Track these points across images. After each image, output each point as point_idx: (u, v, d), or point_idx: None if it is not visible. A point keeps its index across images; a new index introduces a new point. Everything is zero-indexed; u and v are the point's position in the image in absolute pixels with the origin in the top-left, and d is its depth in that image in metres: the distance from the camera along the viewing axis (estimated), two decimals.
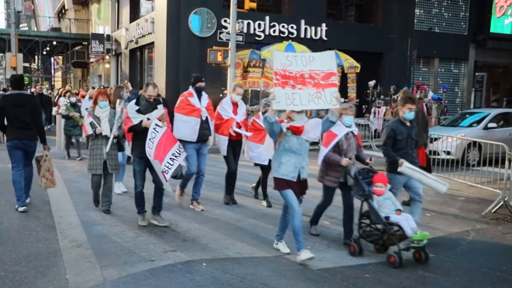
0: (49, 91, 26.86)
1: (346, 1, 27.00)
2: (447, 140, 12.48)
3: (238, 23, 17.07)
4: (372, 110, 20.12)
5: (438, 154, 11.82)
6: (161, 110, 6.79)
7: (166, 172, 6.55)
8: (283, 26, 21.88)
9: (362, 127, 18.31)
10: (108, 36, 30.14)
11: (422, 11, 25.75)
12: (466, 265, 5.81)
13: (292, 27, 22.01)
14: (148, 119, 6.66)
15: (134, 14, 26.48)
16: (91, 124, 7.38)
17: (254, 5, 16.34)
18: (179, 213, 7.69)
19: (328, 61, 5.70)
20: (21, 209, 7.56)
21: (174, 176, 6.79)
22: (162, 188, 6.89)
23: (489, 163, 9.88)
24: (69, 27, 42.03)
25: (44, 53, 39.23)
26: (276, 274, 5.29)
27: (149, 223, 6.99)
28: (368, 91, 21.23)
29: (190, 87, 7.94)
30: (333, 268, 5.57)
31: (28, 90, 26.61)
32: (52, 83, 46.29)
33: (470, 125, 14.83)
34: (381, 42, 23.87)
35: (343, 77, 19.70)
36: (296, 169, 5.73)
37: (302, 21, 22.18)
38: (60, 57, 45.34)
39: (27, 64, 39.13)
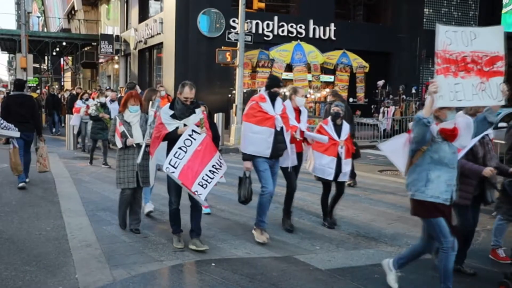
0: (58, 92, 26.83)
1: (355, 1, 26.95)
2: None
3: (247, 23, 17.08)
4: (381, 110, 20.07)
5: None
6: (199, 114, 5.92)
7: (205, 186, 5.73)
8: (291, 26, 21.86)
9: (371, 127, 18.26)
10: (117, 36, 30.26)
11: (431, 10, 25.64)
12: (476, 266, 5.76)
13: (300, 27, 21.99)
14: (185, 125, 5.80)
15: (143, 15, 26.56)
16: (122, 134, 6.45)
17: (262, 5, 16.37)
18: (188, 213, 7.67)
19: (494, 40, 4.41)
20: (20, 185, 9.12)
21: (243, 201, 6.03)
22: (199, 206, 6.06)
23: (500, 162, 9.80)
24: (78, 28, 42.24)
25: (54, 54, 39.45)
26: (285, 274, 5.27)
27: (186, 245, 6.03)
28: (377, 90, 21.18)
29: (263, 89, 6.58)
30: (343, 268, 5.54)
31: (38, 90, 26.76)
32: (62, 83, 46.52)
33: None
34: (390, 41, 23.80)
35: (352, 77, 19.66)
36: (449, 188, 4.44)
37: (311, 21, 22.15)
38: (70, 58, 45.55)
39: (37, 65, 39.41)
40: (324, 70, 19.13)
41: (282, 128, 6.24)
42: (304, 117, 6.95)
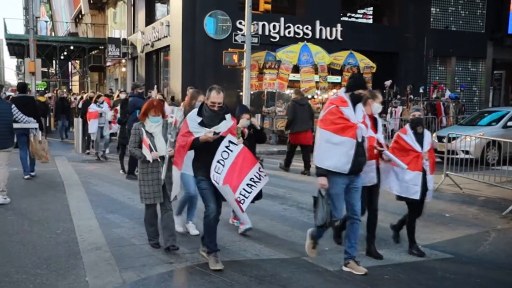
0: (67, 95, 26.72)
1: (361, 1, 26.92)
2: (466, 140, 12.36)
3: (253, 25, 17.11)
4: (389, 110, 20.02)
5: (457, 154, 11.65)
6: (229, 121, 5.46)
7: (242, 202, 5.33)
8: (298, 27, 21.86)
9: None
10: (124, 40, 30.39)
11: (438, 10, 25.56)
12: (486, 266, 5.73)
13: (307, 28, 21.98)
14: (215, 133, 5.29)
15: (150, 18, 26.66)
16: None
17: (269, 6, 16.36)
18: (198, 216, 7.69)
19: None
20: (26, 177, 10.56)
21: (322, 225, 5.29)
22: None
23: (509, 162, 9.76)
24: (85, 32, 42.45)
25: (62, 58, 39.72)
26: (295, 275, 5.27)
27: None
28: (384, 91, 21.11)
29: (342, 91, 5.61)
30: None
31: (46, 94, 26.87)
32: (70, 87, 46.77)
33: (489, 124, 14.66)
34: (397, 41, 23.74)
35: None
36: None
37: (317, 22, 22.14)
38: (77, 62, 45.82)
39: (45, 69, 39.65)
40: (331, 71, 19.11)
41: (363, 138, 5.36)
42: (380, 127, 6.01)
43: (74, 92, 32.89)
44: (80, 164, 13.23)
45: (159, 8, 27.25)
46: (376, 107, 5.94)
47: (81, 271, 5.31)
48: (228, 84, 18.86)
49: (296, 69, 18.13)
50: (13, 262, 5.53)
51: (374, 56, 20.71)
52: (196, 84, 19.38)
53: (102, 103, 14.40)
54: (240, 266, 5.49)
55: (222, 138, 5.35)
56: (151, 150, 5.82)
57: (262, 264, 5.60)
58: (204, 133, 5.26)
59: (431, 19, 25.26)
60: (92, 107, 14.24)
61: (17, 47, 37.07)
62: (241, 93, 18.49)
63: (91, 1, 37.81)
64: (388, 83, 21.06)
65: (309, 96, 18.23)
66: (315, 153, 5.43)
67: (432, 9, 25.33)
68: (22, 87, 11.93)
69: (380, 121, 6.07)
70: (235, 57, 16.65)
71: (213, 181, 5.17)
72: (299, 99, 12.29)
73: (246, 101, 16.29)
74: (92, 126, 14.14)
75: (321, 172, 5.31)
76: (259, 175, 5.50)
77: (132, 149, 6.03)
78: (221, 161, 5.26)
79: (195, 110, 5.48)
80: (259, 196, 6.14)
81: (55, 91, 28.02)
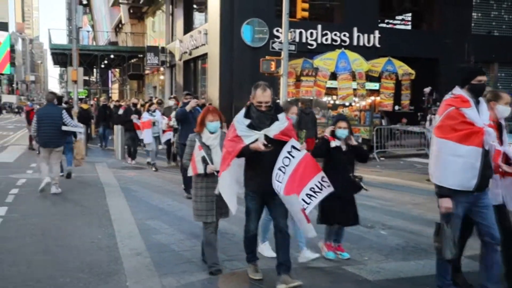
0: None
1: (399, 7, 26.63)
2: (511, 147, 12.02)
3: (291, 32, 17.11)
4: (428, 117, 19.65)
5: None
6: (283, 122, 4.92)
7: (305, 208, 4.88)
8: (335, 34, 21.76)
9: (418, 135, 17.93)
10: (163, 48, 30.86)
11: (479, 14, 25.05)
12: None
13: (344, 35, 21.86)
14: (266, 136, 4.79)
15: (188, 26, 27.00)
16: (202, 159, 5.45)
17: (306, 14, 16.32)
18: (235, 223, 7.71)
19: None
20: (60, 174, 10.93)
21: (450, 260, 4.41)
22: (287, 234, 5.04)
23: None
24: (125, 41, 43.33)
25: (102, 66, 40.62)
26: (334, 285, 5.23)
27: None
28: (423, 98, 20.78)
29: (457, 89, 4.61)
30: (393, 279, 5.45)
31: (88, 102, 27.52)
32: (110, 95, 47.78)
33: None
34: (437, 47, 23.34)
35: (398, 84, 19.37)
36: None
37: (355, 29, 21.99)
38: (117, 70, 46.80)
39: (86, 77, 40.62)
40: (369, 78, 18.91)
41: (490, 146, 4.36)
42: (505, 135, 4.83)
43: (113, 100, 33.33)
44: (120, 170, 13.47)
45: (197, 16, 27.60)
46: (501, 110, 4.77)
47: (122, 276, 5.40)
48: None
49: (333, 76, 18.02)
50: (58, 265, 5.67)
51: (413, 63, 20.39)
52: (234, 91, 19.57)
53: (154, 111, 13.91)
54: None
55: (276, 143, 4.79)
56: (206, 164, 5.40)
57: (301, 272, 5.56)
58: (256, 141, 4.75)
59: (473, 24, 24.76)
60: (145, 116, 13.78)
61: (60, 56, 38.13)
62: (278, 100, 18.49)
63: (131, 11, 38.59)
64: (427, 90, 20.71)
65: (347, 104, 18.10)
66: (433, 169, 4.49)
67: (473, 13, 24.84)
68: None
69: (504, 128, 4.87)
70: (273, 65, 16.67)
71: (276, 189, 4.67)
72: (304, 108, 13.19)
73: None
74: (147, 136, 13.62)
75: (444, 192, 4.38)
76: (321, 184, 5.03)
77: (186, 162, 5.62)
78: (282, 168, 4.77)
79: (241, 112, 4.98)
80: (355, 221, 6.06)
81: (95, 99, 28.63)
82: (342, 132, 5.92)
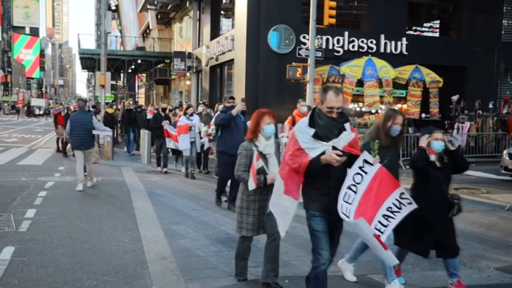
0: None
1: (427, 14, 26.36)
2: None
3: (317, 39, 17.09)
4: (456, 125, 19.43)
5: None
6: (350, 132, 4.16)
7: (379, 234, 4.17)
8: (362, 41, 21.64)
9: None
10: (190, 53, 31.10)
11: (510, 22, 24.61)
12: None
13: (371, 42, 21.72)
14: (334, 148, 4.03)
15: (215, 32, 27.17)
16: (260, 170, 5.00)
17: (333, 21, 16.30)
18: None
19: None
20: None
21: None
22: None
23: None
24: (152, 46, 43.82)
25: (129, 71, 41.12)
26: None
27: None
28: (451, 106, 20.52)
29: None
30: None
31: (114, 106, 27.87)
32: (136, 99, 48.32)
33: None
34: (465, 55, 23.01)
35: (425, 92, 19.17)
36: None
37: (382, 36, 21.84)
38: (144, 75, 47.32)
39: (113, 82, 41.20)
40: (396, 85, 18.77)
41: None
42: None
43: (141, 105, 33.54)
44: (146, 174, 13.58)
45: (224, 22, 27.75)
46: None
47: (148, 280, 5.42)
48: (291, 98, 18.89)
49: (360, 83, 17.93)
50: (85, 268, 5.73)
51: (440, 70, 20.17)
52: (259, 97, 19.57)
53: (191, 115, 12.93)
54: (303, 281, 5.42)
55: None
56: (264, 174, 4.95)
57: (329, 281, 5.51)
58: (328, 152, 4.00)
59: (502, 32, 24.35)
60: (182, 120, 12.83)
61: (88, 61, 38.78)
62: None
63: (159, 17, 39.04)
64: (455, 98, 20.45)
65: (373, 111, 17.97)
66: None
67: (503, 21, 24.42)
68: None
69: None
70: (299, 71, 16.66)
71: (341, 214, 3.97)
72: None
73: (308, 114, 16.22)
74: (183, 142, 12.66)
75: None
76: (400, 202, 4.30)
77: (241, 174, 5.09)
78: (353, 187, 4.05)
79: (304, 120, 4.21)
80: None
81: (121, 103, 28.93)
82: (439, 144, 5.13)
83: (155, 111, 16.37)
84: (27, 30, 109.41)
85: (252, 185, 4.93)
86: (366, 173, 4.13)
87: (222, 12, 27.93)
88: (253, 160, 4.95)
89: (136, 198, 10.01)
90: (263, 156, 5.02)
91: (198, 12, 30.39)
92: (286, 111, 19.30)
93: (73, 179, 12.45)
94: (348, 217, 4.00)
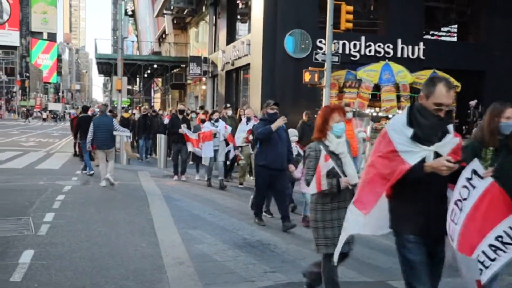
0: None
1: (445, 18, 26.14)
2: None
3: (334, 43, 17.02)
4: (473, 131, 19.19)
5: None
6: (453, 137, 3.39)
7: (481, 271, 3.23)
8: (379, 46, 21.51)
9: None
10: (205, 58, 31.21)
11: None
12: None
13: (388, 47, 21.58)
14: (438, 155, 3.27)
15: (231, 37, 27.24)
16: (331, 172, 4.38)
17: (350, 25, 16.21)
18: (277, 234, 7.69)
19: None
20: (90, 172, 13.90)
21: None
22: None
23: None
24: (168, 51, 44.07)
25: (145, 75, 41.39)
26: None
27: None
28: (469, 111, 20.29)
29: None
30: None
31: (130, 111, 28.01)
32: (152, 104, 48.62)
33: None
34: (483, 59, 22.75)
35: None
36: None
37: (399, 40, 21.68)
38: (160, 79, 47.59)
39: (129, 87, 41.53)
40: (413, 90, 18.61)
41: None
42: None
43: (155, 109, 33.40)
44: (162, 179, 13.62)
45: (240, 27, 27.80)
46: None
47: (166, 285, 5.41)
48: (308, 102, 18.88)
49: (377, 88, 17.82)
50: (103, 272, 5.74)
51: (458, 75, 19.94)
52: (276, 101, 19.52)
53: (217, 120, 12.35)
54: None
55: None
56: (336, 177, 4.39)
57: (345, 286, 5.45)
58: (428, 158, 3.26)
59: None
60: (206, 126, 12.22)
61: (105, 65, 39.12)
62: (319, 112, 18.36)
63: (175, 22, 39.27)
64: (473, 103, 20.21)
65: (390, 116, 17.84)
66: None
67: None
68: (84, 108, 16.33)
69: None
70: (316, 76, 16.60)
71: (449, 238, 3.27)
72: (306, 121, 13.31)
73: None
74: (207, 149, 12.01)
75: None
76: None
77: (310, 178, 4.48)
78: (458, 203, 3.26)
79: (400, 118, 3.43)
80: None
81: (137, 108, 29.04)
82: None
83: (172, 115, 15.67)
84: (45, 36, 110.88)
85: (313, 188, 4.42)
86: (474, 187, 3.28)
87: (238, 17, 28.00)
88: (319, 161, 4.37)
89: (152, 203, 10.03)
90: (335, 156, 4.43)
91: (214, 17, 30.50)
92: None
93: (90, 183, 12.56)
94: (452, 239, 3.24)
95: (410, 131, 3.30)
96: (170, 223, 8.24)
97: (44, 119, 65.72)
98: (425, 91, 3.40)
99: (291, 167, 8.10)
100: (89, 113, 15.69)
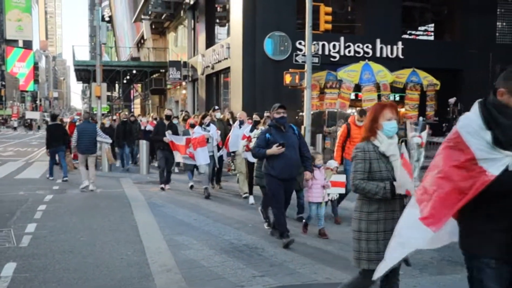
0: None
1: (421, 18, 26.44)
2: None
3: (314, 45, 17.05)
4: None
5: None
6: None
7: None
8: (358, 46, 21.67)
9: None
10: (185, 63, 31.08)
11: (504, 24, 24.71)
12: None
13: (367, 47, 21.75)
14: None
15: (210, 41, 27.17)
16: (379, 174, 3.93)
17: (329, 26, 16.27)
18: (264, 238, 7.63)
19: None
20: (51, 178, 14.75)
21: None
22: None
23: None
24: (147, 56, 43.79)
25: (125, 81, 41.05)
26: None
27: None
28: (448, 108, 20.54)
29: None
30: None
31: (109, 117, 27.73)
32: (132, 110, 48.24)
33: None
34: (460, 58, 23.06)
35: (422, 95, 19.19)
36: None
37: (378, 40, 21.87)
38: (139, 85, 47.26)
39: (109, 93, 41.16)
40: (394, 89, 18.77)
41: None
42: None
43: (138, 114, 32.71)
44: (145, 185, 13.47)
45: (219, 31, 27.74)
46: None
47: None
48: (289, 104, 18.85)
49: (357, 88, 17.92)
50: (89, 283, 5.62)
51: (437, 73, 20.21)
52: (257, 105, 19.51)
53: (208, 125, 11.54)
54: None
55: None
56: (391, 180, 3.87)
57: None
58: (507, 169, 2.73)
59: (497, 34, 24.43)
60: (197, 131, 11.37)
61: (83, 72, 38.72)
62: (300, 113, 18.41)
63: (153, 27, 39.04)
64: (452, 100, 20.48)
65: None
66: None
67: (498, 23, 24.51)
68: (53, 116, 17.02)
69: None
70: (296, 77, 16.63)
71: None
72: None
73: (307, 121, 16.19)
74: (201, 156, 11.16)
75: None
76: None
77: (359, 183, 3.92)
78: None
79: (472, 118, 2.86)
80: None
81: (117, 114, 28.74)
82: None
83: (154, 121, 15.65)
84: (20, 43, 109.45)
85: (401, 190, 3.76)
86: None
87: (217, 20, 27.94)
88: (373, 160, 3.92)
89: (136, 209, 9.89)
90: (385, 158, 3.96)
91: (192, 21, 30.39)
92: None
93: (72, 192, 12.37)
94: None
95: (488, 134, 2.75)
96: (155, 230, 8.13)
97: (15, 128, 64.91)
98: (505, 84, 2.82)
99: (308, 174, 7.31)
100: (68, 120, 15.89)
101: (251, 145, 8.73)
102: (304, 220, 8.07)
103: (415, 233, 3.05)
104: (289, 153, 7.05)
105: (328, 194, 7.92)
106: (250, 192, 10.54)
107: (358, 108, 11.74)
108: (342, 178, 8.18)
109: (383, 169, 3.91)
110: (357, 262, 3.98)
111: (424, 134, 3.82)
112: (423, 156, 3.70)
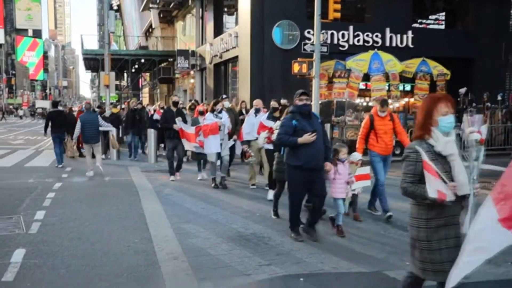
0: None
1: (432, 6, 26.16)
2: None
3: (323, 34, 16.93)
4: (464, 118, 19.22)
5: None
6: None
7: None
8: (367, 35, 21.50)
9: None
10: (193, 51, 31.02)
11: None
12: None
13: (376, 36, 21.58)
14: None
15: (218, 30, 27.08)
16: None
17: (338, 15, 16.11)
18: (271, 227, 7.63)
19: None
20: (60, 166, 14.67)
21: None
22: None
23: None
24: (155, 45, 43.76)
25: (133, 70, 41.08)
26: None
27: None
28: (458, 99, 20.33)
29: None
30: (433, 284, 5.25)
31: (118, 106, 27.78)
32: (140, 99, 48.30)
33: None
34: (472, 47, 22.81)
35: (432, 85, 19.01)
36: None
37: (387, 29, 21.69)
38: (147, 74, 47.28)
39: (117, 82, 41.18)
40: (403, 79, 18.61)
41: None
42: None
43: (147, 104, 32.55)
44: (153, 174, 13.50)
45: (228, 19, 27.65)
46: None
47: (160, 280, 5.35)
48: None
49: (366, 78, 17.79)
50: (96, 269, 5.66)
51: (447, 63, 19.98)
52: (265, 94, 19.47)
53: (220, 111, 11.01)
54: (319, 280, 5.35)
55: None
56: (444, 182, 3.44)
57: (342, 277, 5.44)
58: None
59: (510, 22, 24.12)
60: (209, 117, 10.92)
61: (92, 61, 38.78)
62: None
63: (161, 15, 38.98)
64: (462, 90, 20.25)
65: None
66: None
67: (511, 11, 24.17)
68: (54, 103, 17.52)
69: None
70: (304, 67, 16.53)
71: None
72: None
73: (315, 110, 16.11)
74: (213, 144, 10.72)
75: None
76: None
77: (409, 186, 3.59)
78: None
79: None
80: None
81: (126, 103, 28.69)
82: None
83: (161, 110, 15.21)
84: (30, 33, 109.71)
85: (433, 191, 3.38)
86: None
87: (225, 9, 27.84)
88: (425, 159, 3.46)
89: (144, 198, 9.93)
90: (442, 158, 3.56)
91: (201, 10, 30.29)
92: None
93: (80, 180, 12.44)
94: None
95: None
96: (163, 218, 8.16)
97: (21, 117, 65.21)
98: None
99: (328, 165, 6.88)
100: (77, 109, 16.03)
101: (273, 136, 8.04)
102: (334, 220, 7.35)
103: (495, 237, 2.87)
104: (317, 141, 6.65)
105: (353, 189, 7.58)
106: (271, 187, 9.52)
107: (378, 98, 10.62)
108: (366, 170, 7.82)
109: (440, 170, 3.45)
110: (423, 273, 3.62)
111: (484, 129, 3.52)
112: (483, 154, 3.40)
